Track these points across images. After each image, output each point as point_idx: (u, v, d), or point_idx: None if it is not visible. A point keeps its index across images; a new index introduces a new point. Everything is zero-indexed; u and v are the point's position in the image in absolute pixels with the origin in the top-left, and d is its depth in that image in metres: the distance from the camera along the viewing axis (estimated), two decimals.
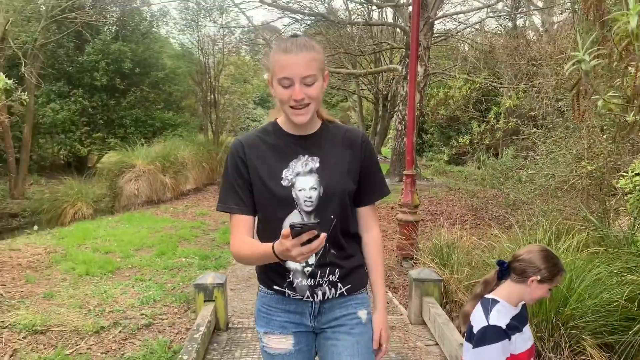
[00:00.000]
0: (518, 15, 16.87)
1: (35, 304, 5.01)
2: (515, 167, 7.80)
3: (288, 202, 1.70)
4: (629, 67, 1.62)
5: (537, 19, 16.51)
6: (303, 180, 1.71)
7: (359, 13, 15.56)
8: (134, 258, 6.68)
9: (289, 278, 1.78)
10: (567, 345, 3.66)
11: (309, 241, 1.38)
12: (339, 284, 1.81)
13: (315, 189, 1.72)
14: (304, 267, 1.77)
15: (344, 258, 1.81)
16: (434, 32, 14.32)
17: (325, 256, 1.78)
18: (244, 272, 6.19)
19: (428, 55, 12.84)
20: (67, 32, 14.71)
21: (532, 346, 2.35)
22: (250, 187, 1.73)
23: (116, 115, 16.23)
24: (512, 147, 8.90)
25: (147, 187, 11.32)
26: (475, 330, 2.22)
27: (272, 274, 1.81)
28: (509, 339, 2.17)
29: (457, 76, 11.69)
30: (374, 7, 13.74)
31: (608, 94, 2.10)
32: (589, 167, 5.51)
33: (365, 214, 1.90)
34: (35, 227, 9.07)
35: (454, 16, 14.85)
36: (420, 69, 12.97)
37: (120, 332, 4.47)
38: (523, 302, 2.33)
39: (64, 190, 10.48)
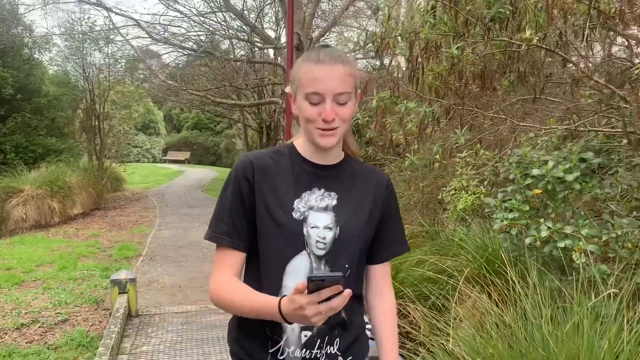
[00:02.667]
0: (385, 55, 19.26)
1: None
2: None
3: (297, 240, 1.41)
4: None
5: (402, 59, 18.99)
6: (317, 216, 1.43)
7: (244, 50, 16.96)
8: (37, 272, 7.24)
9: (277, 345, 1.43)
10: (398, 311, 5.13)
11: (328, 298, 1.14)
12: (340, 358, 1.48)
13: (331, 229, 1.43)
14: (302, 328, 1.43)
15: (349, 323, 1.50)
16: None
17: (334, 319, 1.41)
18: (143, 279, 7.07)
19: None
20: None
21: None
22: (250, 217, 1.44)
23: None
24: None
25: (35, 212, 11.52)
26: None
27: (254, 342, 1.45)
28: None
29: None
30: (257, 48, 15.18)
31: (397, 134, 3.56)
32: (421, 185, 7.21)
33: (379, 273, 1.58)
34: None
35: None
36: None
37: (39, 327, 5.22)
38: None
39: None
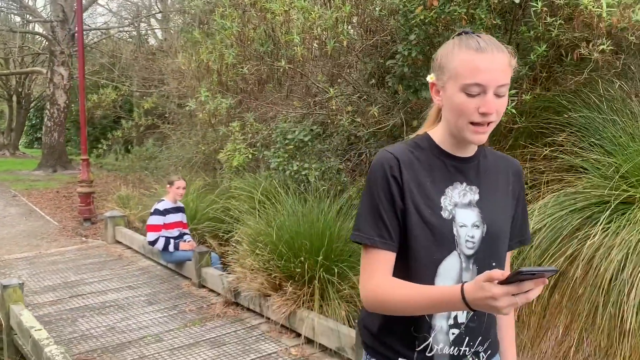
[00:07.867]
0: (142, 27, 20.12)
1: None
2: (155, 153, 11.11)
3: (448, 240, 1.35)
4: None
5: (158, 31, 20.10)
6: (464, 214, 1.37)
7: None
8: None
9: (426, 341, 1.38)
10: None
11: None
12: (482, 354, 1.45)
13: (478, 227, 1.37)
14: (450, 326, 1.39)
15: (492, 319, 1.46)
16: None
17: (481, 316, 1.40)
18: None
19: (71, 61, 14.96)
20: None
21: (180, 222, 5.69)
22: (400, 216, 1.36)
23: None
24: (151, 139, 12.16)
25: None
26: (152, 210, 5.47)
27: (400, 341, 1.40)
28: (164, 215, 5.45)
29: (106, 83, 14.23)
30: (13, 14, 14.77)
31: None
32: (203, 148, 9.22)
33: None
34: None
35: (94, 26, 17.15)
36: (65, 73, 14.93)
37: None
38: (179, 200, 5.64)
39: None
